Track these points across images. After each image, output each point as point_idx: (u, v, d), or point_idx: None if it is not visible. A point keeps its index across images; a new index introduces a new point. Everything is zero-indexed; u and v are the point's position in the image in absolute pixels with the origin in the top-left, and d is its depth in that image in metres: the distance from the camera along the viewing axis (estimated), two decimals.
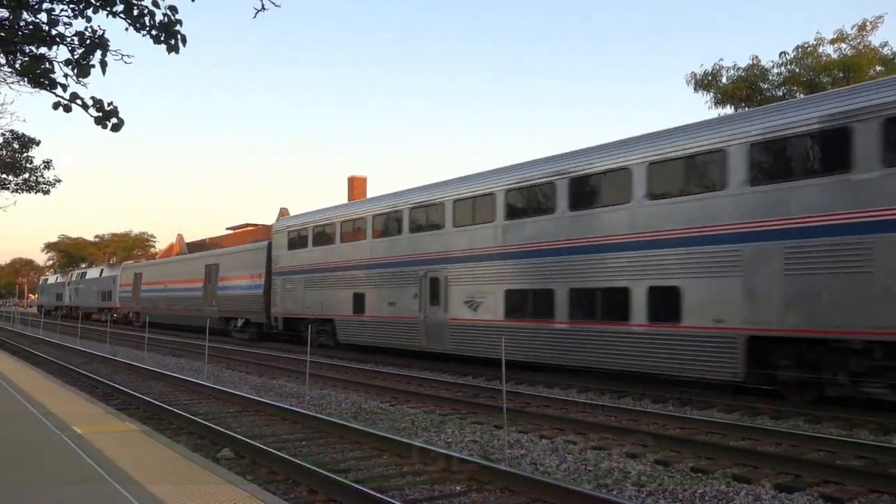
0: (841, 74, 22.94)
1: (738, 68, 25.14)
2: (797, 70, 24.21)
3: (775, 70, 24.83)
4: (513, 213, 16.82)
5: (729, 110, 24.74)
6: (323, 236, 24.26)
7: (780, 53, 24.51)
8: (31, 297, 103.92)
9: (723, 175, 12.39)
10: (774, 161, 11.75)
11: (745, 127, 12.32)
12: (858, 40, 23.91)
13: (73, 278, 61.16)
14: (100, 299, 51.95)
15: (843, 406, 11.52)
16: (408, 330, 19.82)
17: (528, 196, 16.53)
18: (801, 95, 23.32)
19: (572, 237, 15.08)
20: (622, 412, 11.31)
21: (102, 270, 54.42)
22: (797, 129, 11.41)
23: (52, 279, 73.74)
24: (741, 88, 24.65)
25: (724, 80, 25.28)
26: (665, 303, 13.15)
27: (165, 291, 39.39)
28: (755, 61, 25.02)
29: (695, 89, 25.58)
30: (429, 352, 19.18)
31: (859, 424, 10.20)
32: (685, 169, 13.24)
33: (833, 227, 10.84)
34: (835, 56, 24.01)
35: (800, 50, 24.15)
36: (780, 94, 24.60)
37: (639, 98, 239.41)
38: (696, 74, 25.47)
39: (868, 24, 23.74)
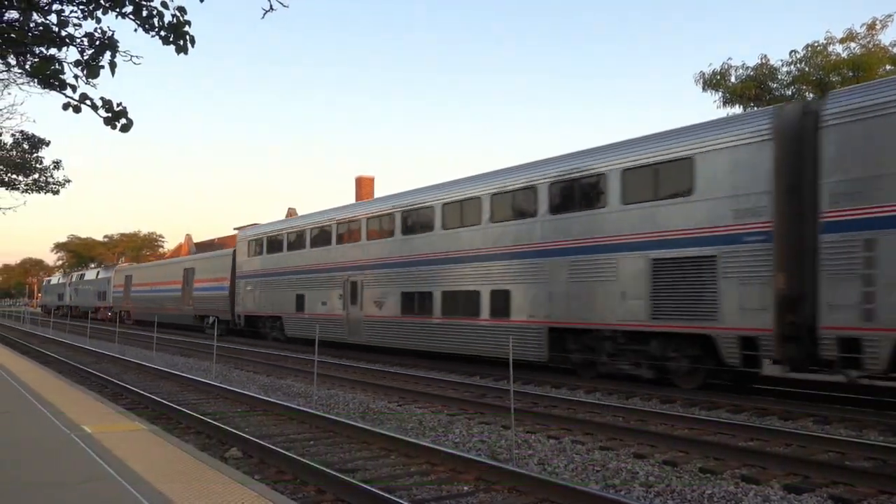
0: (851, 73, 22.80)
1: (747, 67, 25.03)
2: (807, 69, 24.08)
3: (784, 69, 24.72)
4: (407, 229, 20.92)
5: (738, 110, 24.64)
6: (274, 245, 28.29)
7: (790, 52, 24.36)
8: (40, 296, 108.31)
9: (535, 205, 16.47)
10: (562, 196, 15.90)
11: (547, 170, 16.44)
12: (868, 39, 23.79)
13: (73, 280, 65.75)
14: (96, 299, 56.64)
15: (853, 406, 11.47)
16: (336, 325, 23.52)
17: (416, 216, 20.63)
18: (811, 95, 23.21)
19: (445, 250, 19.21)
20: (630, 412, 11.29)
21: (98, 273, 59.44)
22: (576, 175, 15.59)
23: (54, 280, 78.28)
24: (750, 88, 24.55)
25: (732, 79, 25.17)
26: (502, 302, 17.13)
27: (151, 292, 44.22)
28: (764, 60, 24.91)
29: (703, 89, 25.49)
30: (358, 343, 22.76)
31: (869, 425, 10.14)
32: (513, 199, 17.33)
33: (594, 247, 14.98)
34: (844, 55, 23.89)
35: (809, 49, 24.03)
36: (790, 93, 24.48)
37: (647, 98, 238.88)
38: (704, 74, 25.39)
39: (878, 22, 23.63)
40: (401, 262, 20.87)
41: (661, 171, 13.87)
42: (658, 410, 11.40)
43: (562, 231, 15.68)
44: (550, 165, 16.40)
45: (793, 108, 12.80)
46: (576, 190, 15.58)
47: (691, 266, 13.13)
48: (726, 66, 25.24)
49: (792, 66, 24.44)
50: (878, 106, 10.84)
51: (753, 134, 12.44)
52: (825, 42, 24.09)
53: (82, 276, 63.73)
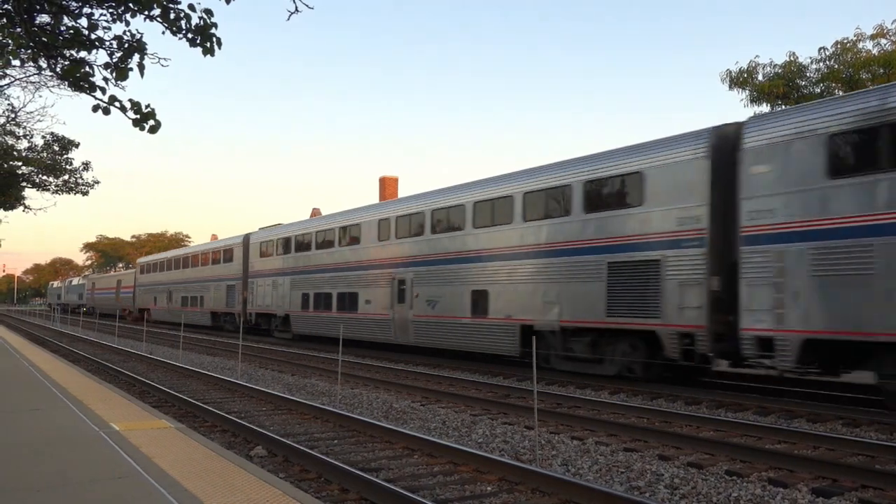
0: (881, 70, 22.37)
1: (775, 65, 24.67)
2: (836, 66, 23.67)
3: (813, 66, 24.32)
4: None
5: (765, 108, 24.31)
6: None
7: (819, 49, 23.95)
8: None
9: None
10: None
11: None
12: None
13: (66, 284, 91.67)
14: (77, 298, 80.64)
15: (881, 409, 11.28)
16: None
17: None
18: (840, 92, 22.82)
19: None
20: (655, 414, 11.20)
21: (77, 280, 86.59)
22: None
23: (55, 284, 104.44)
24: (778, 86, 24.17)
25: (759, 77, 24.82)
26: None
27: (104, 293, 66.75)
28: (792, 58, 24.53)
29: (730, 87, 25.17)
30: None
31: None
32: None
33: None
34: (875, 52, 23.45)
35: (839, 46, 23.62)
36: (819, 90, 24.09)
37: (675, 97, 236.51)
38: (731, 72, 25.06)
39: None
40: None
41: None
42: (683, 412, 11.29)
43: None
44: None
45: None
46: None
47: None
48: (753, 64, 24.91)
49: (821, 64, 24.05)
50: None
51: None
52: (855, 38, 23.66)
53: (70, 281, 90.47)
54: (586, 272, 15.74)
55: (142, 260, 52.40)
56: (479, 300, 18.68)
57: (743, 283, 12.59)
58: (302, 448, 8.06)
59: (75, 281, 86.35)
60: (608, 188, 15.56)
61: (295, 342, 29.01)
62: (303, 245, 28.78)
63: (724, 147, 13.58)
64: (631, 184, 15.02)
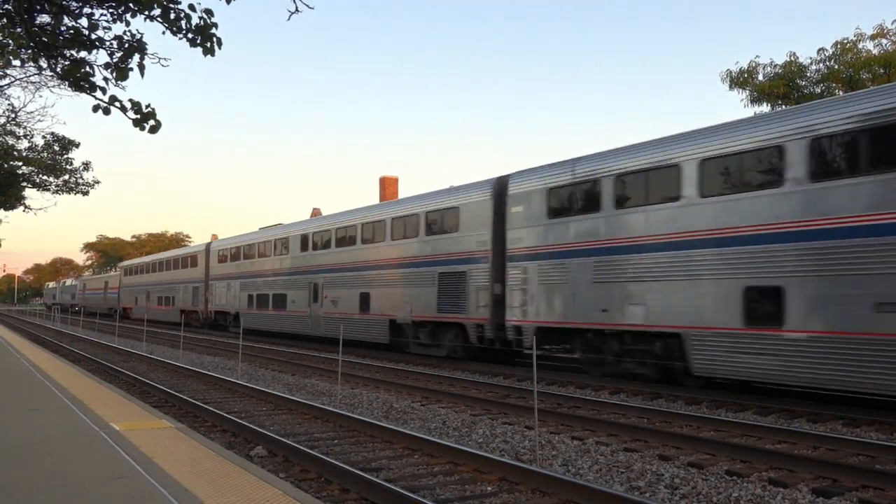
0: (882, 71, 22.36)
1: (775, 65, 24.65)
2: (836, 66, 23.65)
3: (813, 67, 24.30)
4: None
5: (765, 108, 24.30)
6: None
7: (819, 50, 23.94)
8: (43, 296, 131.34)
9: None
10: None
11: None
12: None
13: (60, 285, 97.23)
14: (70, 298, 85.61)
15: (884, 410, 11.28)
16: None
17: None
18: (841, 92, 22.81)
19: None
20: (655, 413, 11.20)
21: (70, 281, 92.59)
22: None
23: (51, 285, 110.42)
24: (778, 86, 24.15)
25: (760, 77, 24.80)
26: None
27: (95, 294, 72.63)
28: (792, 58, 24.51)
29: (730, 87, 25.17)
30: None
31: None
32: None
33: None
34: (875, 52, 23.43)
35: (839, 46, 23.60)
36: (819, 90, 24.08)
37: (675, 97, 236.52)
38: (731, 72, 25.05)
39: None
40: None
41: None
42: (683, 412, 11.28)
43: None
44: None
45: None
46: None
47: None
48: (754, 65, 24.90)
49: (821, 64, 24.03)
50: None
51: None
52: (855, 39, 23.65)
53: (64, 282, 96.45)
54: (426, 279, 20.65)
55: (124, 263, 57.40)
56: (364, 300, 23.47)
57: (507, 289, 17.58)
58: (302, 448, 8.06)
59: (68, 282, 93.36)
60: (440, 217, 20.49)
61: (246, 335, 29.86)
62: (248, 254, 33.79)
63: (501, 191, 18.36)
64: (452, 215, 19.99)
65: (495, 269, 18.21)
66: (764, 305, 11.94)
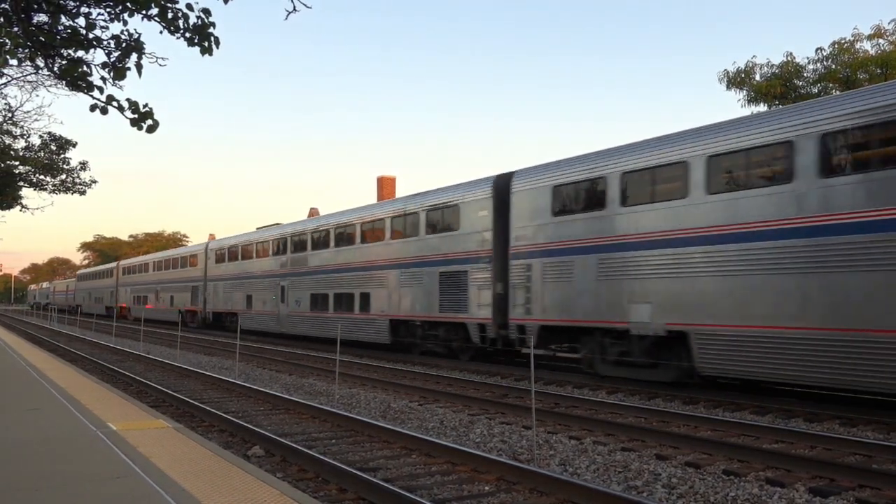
0: (879, 71, 22.40)
1: (772, 65, 24.68)
2: (833, 66, 23.68)
3: (810, 67, 24.33)
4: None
5: (762, 108, 24.31)
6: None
7: (816, 49, 23.96)
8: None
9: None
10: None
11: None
12: None
13: (39, 288, 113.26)
14: (45, 298, 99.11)
15: (881, 409, 11.30)
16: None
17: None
18: (837, 92, 22.84)
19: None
20: (652, 413, 11.21)
21: (47, 284, 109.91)
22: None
23: (32, 287, 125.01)
24: (775, 86, 24.17)
25: (757, 77, 24.84)
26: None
27: (66, 294, 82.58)
28: (789, 58, 24.54)
29: (727, 87, 25.19)
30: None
31: None
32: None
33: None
34: (872, 52, 23.46)
35: (836, 46, 23.63)
36: (816, 90, 24.11)
37: (675, 97, 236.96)
38: (728, 72, 25.08)
39: None
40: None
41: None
42: (680, 412, 11.29)
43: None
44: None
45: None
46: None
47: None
48: (751, 65, 24.93)
49: (818, 64, 24.06)
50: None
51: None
52: (852, 39, 23.68)
53: (42, 285, 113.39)
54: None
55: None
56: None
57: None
58: (300, 448, 8.06)
59: (44, 285, 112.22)
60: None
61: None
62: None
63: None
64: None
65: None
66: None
